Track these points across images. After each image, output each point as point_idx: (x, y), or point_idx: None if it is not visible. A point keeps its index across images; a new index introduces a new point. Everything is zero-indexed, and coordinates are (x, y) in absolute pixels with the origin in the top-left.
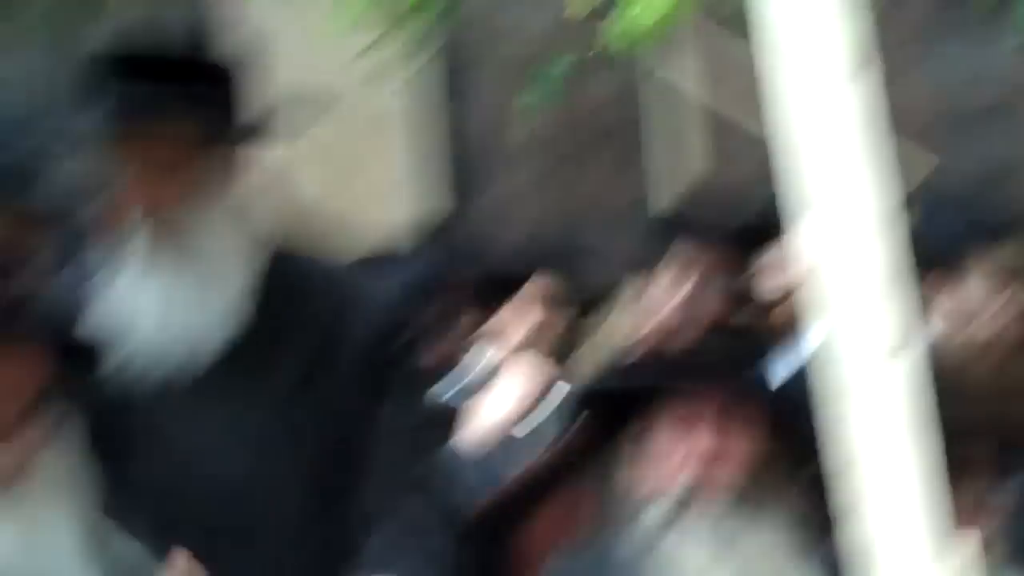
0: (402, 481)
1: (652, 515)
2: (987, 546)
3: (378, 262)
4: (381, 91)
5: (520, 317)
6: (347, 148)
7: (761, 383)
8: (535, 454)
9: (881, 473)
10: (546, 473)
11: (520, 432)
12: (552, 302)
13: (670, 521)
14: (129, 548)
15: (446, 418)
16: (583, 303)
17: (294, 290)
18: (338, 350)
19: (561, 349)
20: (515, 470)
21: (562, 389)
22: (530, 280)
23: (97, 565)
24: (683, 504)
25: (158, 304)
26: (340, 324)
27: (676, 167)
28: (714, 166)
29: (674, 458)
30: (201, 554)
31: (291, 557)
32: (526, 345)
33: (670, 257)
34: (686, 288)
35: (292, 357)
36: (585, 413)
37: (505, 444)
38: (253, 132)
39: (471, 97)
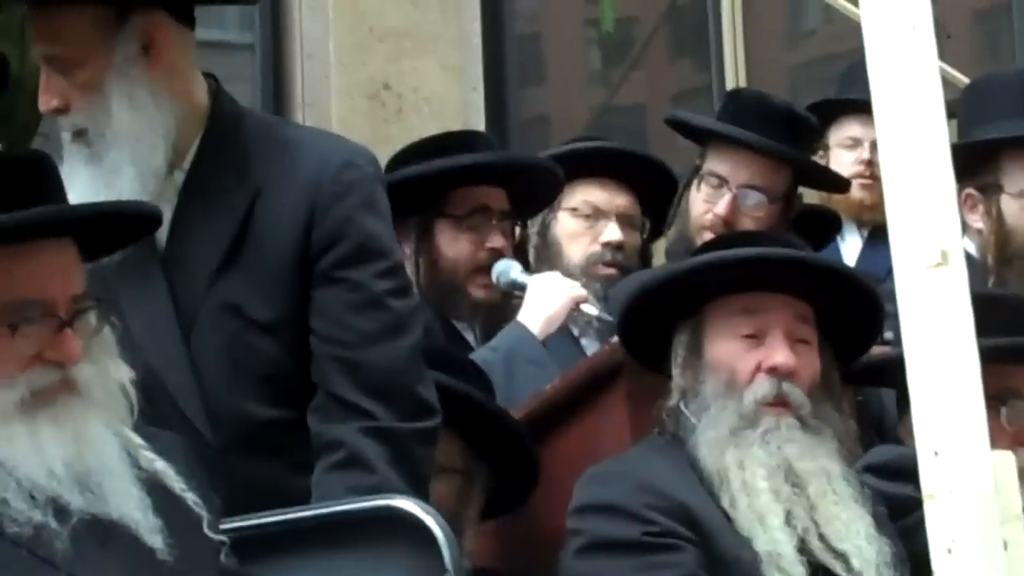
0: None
1: (723, 418)
2: None
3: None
4: None
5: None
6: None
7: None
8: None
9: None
10: (572, 393)
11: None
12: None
13: (743, 426)
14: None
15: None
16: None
17: (277, 168)
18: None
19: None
20: (546, 381)
21: (589, 308)
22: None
23: (134, 472)
24: (757, 411)
25: (83, 195)
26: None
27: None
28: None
29: (745, 366)
30: None
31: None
32: (623, 265)
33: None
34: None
35: (279, 244)
36: (625, 319)
37: (533, 356)
38: None
39: None
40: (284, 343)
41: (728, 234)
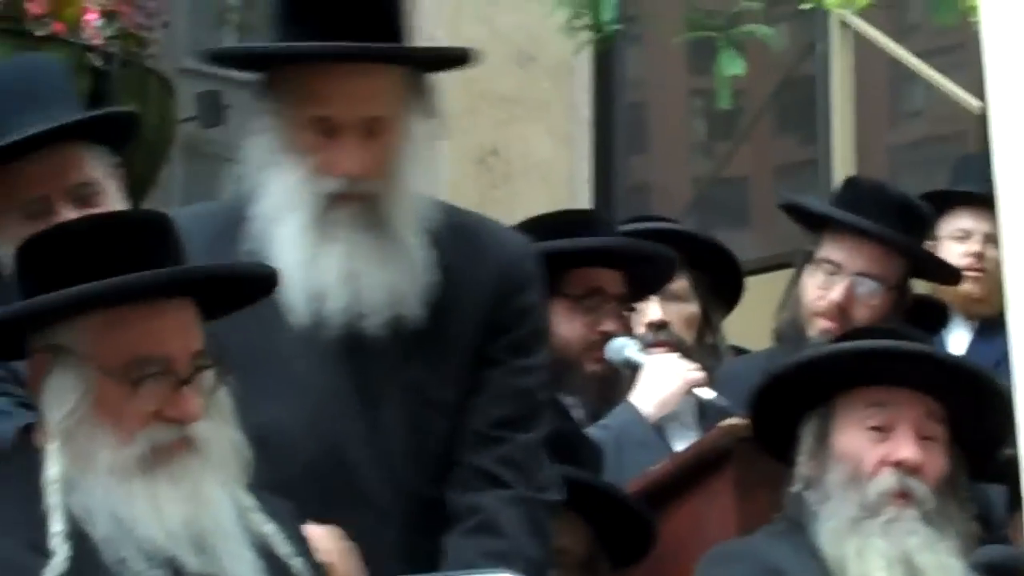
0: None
1: (845, 508)
2: None
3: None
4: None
5: (671, 311)
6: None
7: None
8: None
9: None
10: (680, 475)
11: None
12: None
13: (864, 516)
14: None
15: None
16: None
17: (464, 252)
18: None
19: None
20: (655, 464)
21: (704, 393)
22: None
23: (247, 534)
24: (880, 503)
25: (341, 260)
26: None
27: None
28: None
29: (871, 458)
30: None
31: (396, 527)
32: (675, 342)
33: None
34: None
35: (463, 327)
36: (754, 405)
37: (644, 438)
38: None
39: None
40: (452, 424)
41: (860, 327)
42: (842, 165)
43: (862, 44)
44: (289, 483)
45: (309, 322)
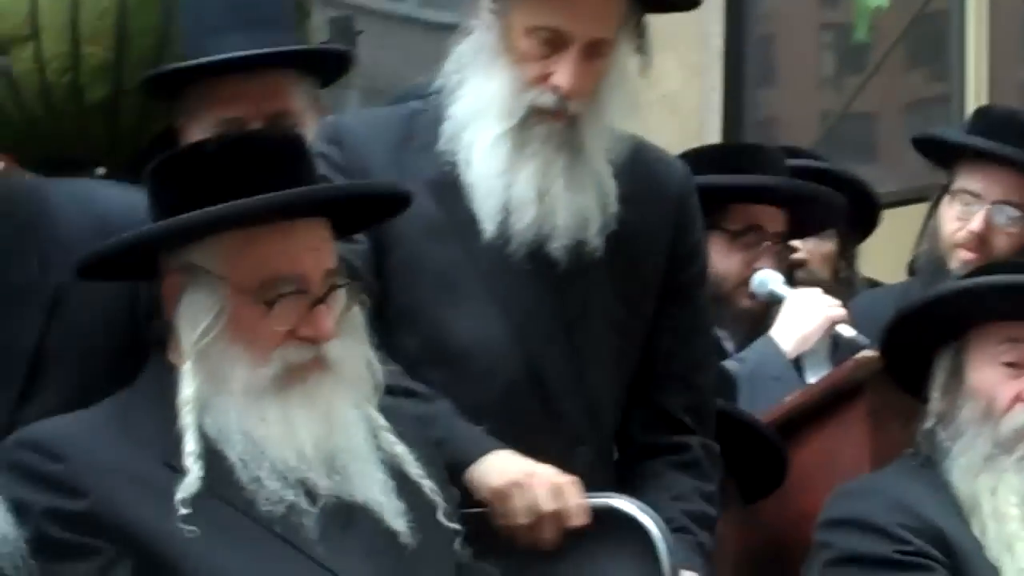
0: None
1: (978, 444)
2: None
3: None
4: None
5: (809, 247)
6: None
7: None
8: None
9: None
10: (813, 406)
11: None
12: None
13: (998, 452)
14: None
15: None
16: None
17: (642, 184)
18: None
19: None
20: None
21: (845, 330)
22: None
23: (378, 454)
24: (1014, 439)
25: (536, 177)
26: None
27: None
28: None
29: (1004, 394)
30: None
31: (588, 451)
32: (814, 281)
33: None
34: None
35: (649, 259)
36: (887, 339)
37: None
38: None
39: None
40: (635, 347)
41: (995, 262)
42: (975, 101)
43: None
44: (487, 403)
45: (497, 235)
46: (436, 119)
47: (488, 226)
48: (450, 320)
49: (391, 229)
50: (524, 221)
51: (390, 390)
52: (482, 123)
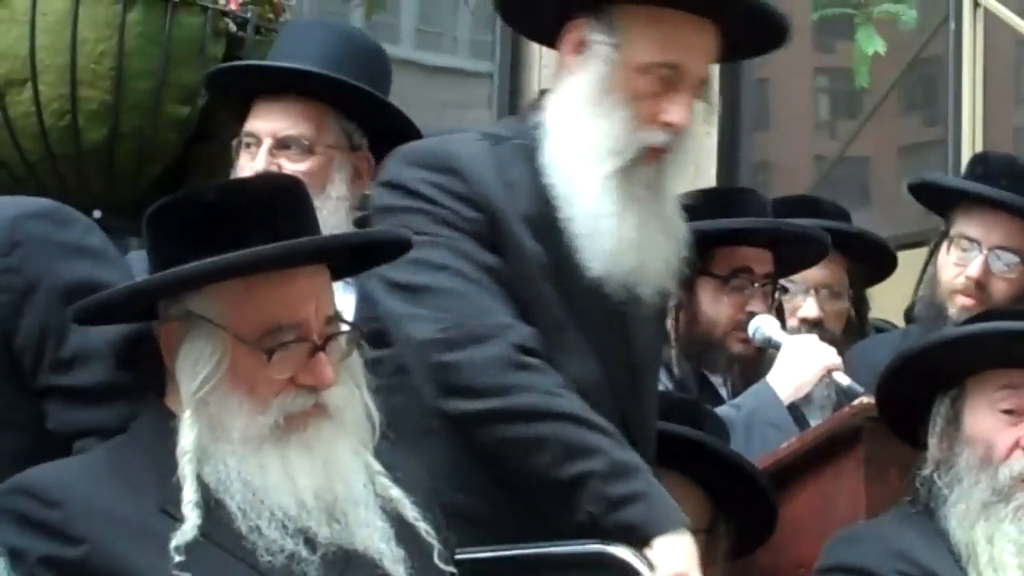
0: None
1: (975, 491)
2: None
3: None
4: None
5: (825, 306)
6: None
7: None
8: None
9: None
10: (809, 453)
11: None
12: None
13: (995, 500)
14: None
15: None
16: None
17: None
18: None
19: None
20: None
21: (841, 378)
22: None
23: (376, 500)
24: (1011, 488)
25: (639, 221)
26: None
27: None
28: None
29: (1003, 442)
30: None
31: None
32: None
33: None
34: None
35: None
36: (885, 386)
37: (776, 419)
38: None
39: None
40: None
41: (993, 309)
42: (969, 145)
43: (992, 23)
44: None
45: (597, 278)
46: (526, 155)
47: (596, 266)
48: (564, 364)
49: (520, 270)
50: (627, 265)
51: (581, 421)
52: (589, 161)
